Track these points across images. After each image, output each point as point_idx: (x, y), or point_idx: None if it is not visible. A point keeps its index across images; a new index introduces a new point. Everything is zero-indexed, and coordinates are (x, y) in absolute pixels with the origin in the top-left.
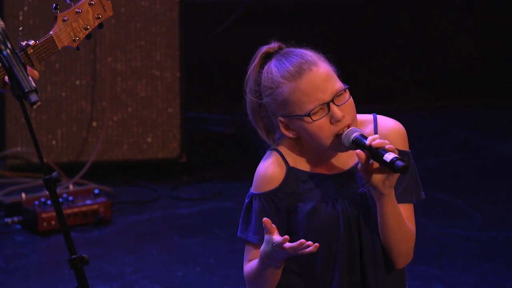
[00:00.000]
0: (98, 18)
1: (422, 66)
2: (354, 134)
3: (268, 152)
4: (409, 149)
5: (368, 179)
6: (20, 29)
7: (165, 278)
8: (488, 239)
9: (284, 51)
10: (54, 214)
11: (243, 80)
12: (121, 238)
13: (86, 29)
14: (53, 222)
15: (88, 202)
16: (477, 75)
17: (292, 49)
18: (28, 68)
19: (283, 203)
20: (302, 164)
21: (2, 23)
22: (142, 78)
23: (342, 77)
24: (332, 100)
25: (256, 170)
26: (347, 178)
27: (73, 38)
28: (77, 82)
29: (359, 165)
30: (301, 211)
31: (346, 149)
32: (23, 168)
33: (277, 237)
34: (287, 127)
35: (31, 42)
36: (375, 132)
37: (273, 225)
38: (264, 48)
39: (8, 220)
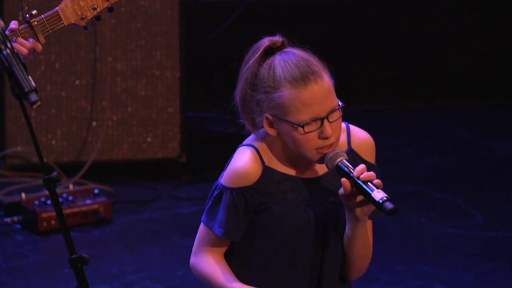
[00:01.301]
0: (107, 0)
1: (423, 66)
2: (338, 160)
3: (244, 147)
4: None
5: (347, 205)
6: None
7: (165, 277)
8: (488, 239)
9: (289, 51)
10: (54, 213)
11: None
12: (121, 238)
13: (94, 9)
14: (53, 222)
15: (88, 201)
16: (477, 75)
17: (297, 51)
18: (32, 40)
19: (254, 201)
20: (277, 165)
21: (2, 23)
22: (142, 77)
23: (339, 80)
24: (327, 117)
25: (231, 164)
26: (320, 184)
27: (80, 16)
28: (77, 82)
29: (341, 191)
30: (272, 212)
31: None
32: (23, 168)
33: None
34: (270, 125)
35: (34, 12)
36: (348, 142)
37: None
38: (268, 41)
39: (8, 219)
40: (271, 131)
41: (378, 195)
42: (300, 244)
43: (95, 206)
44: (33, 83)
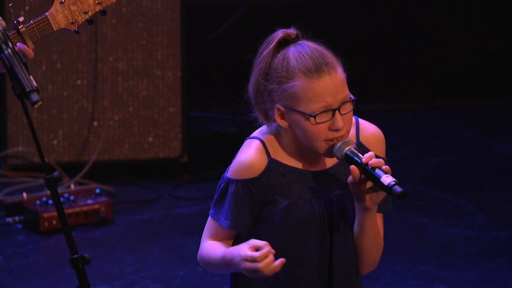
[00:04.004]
0: (99, 3)
1: (424, 66)
2: (347, 148)
3: (250, 140)
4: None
5: (356, 193)
6: (9, 5)
7: (166, 277)
8: (489, 239)
9: (303, 43)
10: (55, 213)
11: (245, 79)
12: (123, 237)
13: (85, 13)
14: (54, 222)
15: (90, 201)
16: (479, 75)
17: (311, 43)
18: (23, 46)
19: (259, 193)
20: (283, 157)
21: (3, 23)
22: (144, 77)
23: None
24: (339, 108)
25: (237, 156)
26: (326, 177)
27: (71, 21)
28: (79, 82)
29: (350, 179)
30: (278, 205)
31: (333, 157)
32: (24, 168)
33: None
34: (282, 116)
35: (21, 19)
36: (357, 135)
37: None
38: (282, 33)
39: (10, 219)
40: (282, 123)
41: (387, 179)
42: (307, 237)
43: (96, 206)
44: (34, 83)
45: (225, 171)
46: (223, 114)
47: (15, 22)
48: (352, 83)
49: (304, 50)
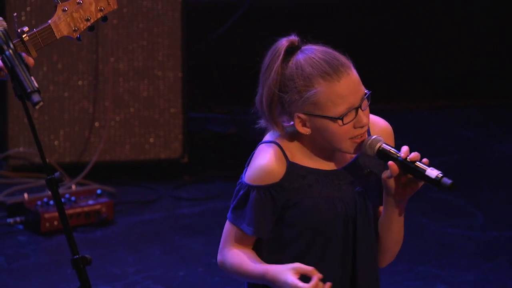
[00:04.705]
0: (101, 10)
1: (424, 66)
2: (379, 144)
3: (265, 145)
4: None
5: (391, 188)
6: (14, 14)
7: (167, 278)
8: (490, 239)
9: (309, 48)
10: (56, 214)
11: (245, 80)
12: (124, 238)
13: (87, 20)
14: (55, 223)
15: (91, 202)
16: (479, 75)
17: (316, 46)
18: (24, 54)
19: (280, 198)
20: (300, 159)
21: (5, 23)
22: (144, 78)
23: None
24: (360, 105)
25: (255, 162)
26: (344, 175)
27: (73, 28)
28: (80, 82)
29: (386, 175)
30: (300, 208)
31: (357, 153)
32: (25, 168)
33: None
34: (303, 124)
35: (25, 29)
36: (368, 130)
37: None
38: (287, 41)
39: (11, 220)
40: (304, 130)
41: (433, 172)
42: (330, 236)
43: (98, 207)
44: (35, 84)
45: (225, 171)
46: (223, 114)
47: (18, 31)
48: None
49: (314, 55)
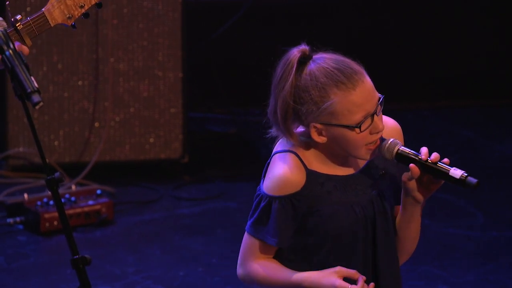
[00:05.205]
0: None
1: (424, 66)
2: (397, 148)
3: (282, 154)
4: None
5: (411, 189)
6: (7, 3)
7: (167, 278)
8: (490, 239)
9: (321, 57)
10: (56, 214)
11: (245, 80)
12: (123, 238)
13: (81, 7)
14: (55, 223)
15: (90, 202)
16: (479, 75)
17: (327, 55)
18: (18, 43)
19: (301, 206)
20: (317, 167)
21: (5, 24)
22: (145, 78)
23: None
24: (376, 112)
25: (274, 172)
26: (360, 179)
27: (68, 15)
28: (80, 83)
29: (407, 177)
30: (322, 215)
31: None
32: (25, 169)
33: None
34: (319, 133)
35: (19, 17)
36: None
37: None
38: (298, 52)
39: (10, 220)
40: (320, 139)
41: (457, 172)
42: (352, 241)
43: (97, 207)
44: (35, 84)
45: (226, 171)
46: (223, 114)
47: (12, 20)
48: None
49: (327, 64)
